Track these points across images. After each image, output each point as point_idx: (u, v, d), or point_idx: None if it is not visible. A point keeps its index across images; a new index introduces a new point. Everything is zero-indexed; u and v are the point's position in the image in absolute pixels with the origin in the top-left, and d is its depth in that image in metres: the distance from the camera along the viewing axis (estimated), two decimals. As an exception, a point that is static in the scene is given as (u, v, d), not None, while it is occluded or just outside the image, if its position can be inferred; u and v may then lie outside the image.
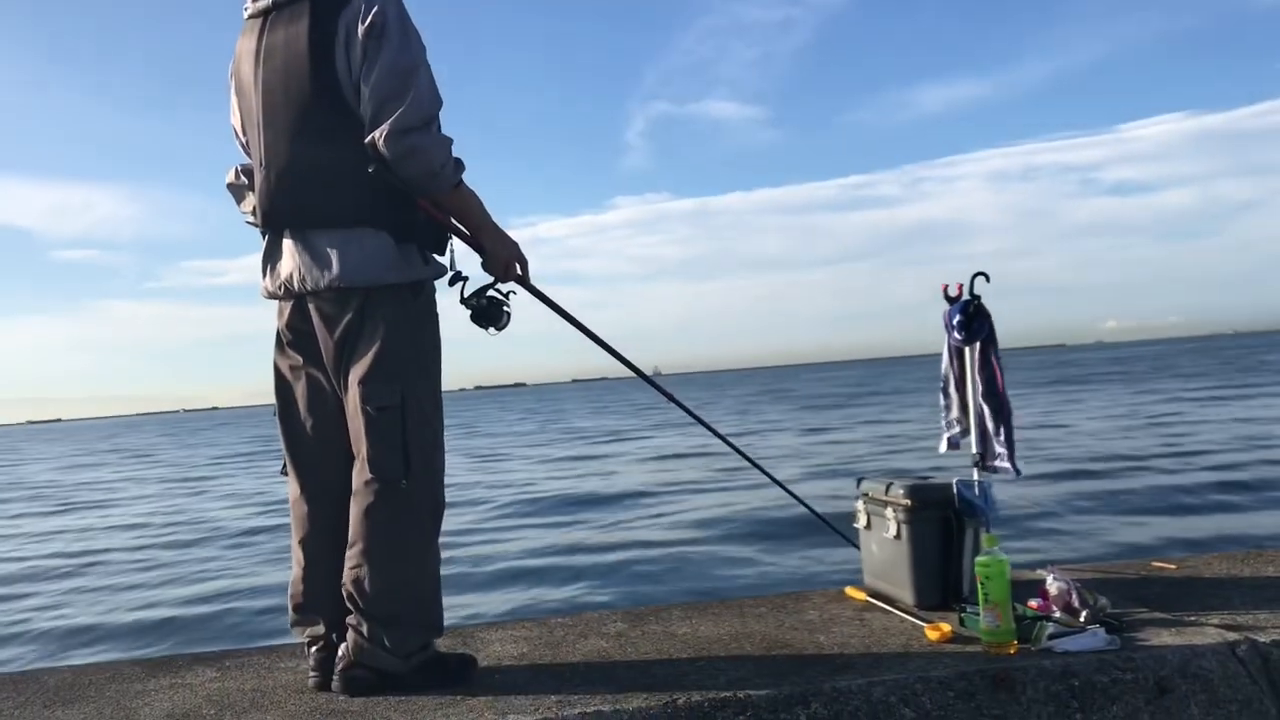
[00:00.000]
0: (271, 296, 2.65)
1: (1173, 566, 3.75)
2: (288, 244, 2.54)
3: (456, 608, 6.56)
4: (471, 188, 2.56)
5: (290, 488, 2.69)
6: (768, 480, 3.75)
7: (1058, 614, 3.02)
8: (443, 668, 2.64)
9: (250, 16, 2.60)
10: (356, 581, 2.50)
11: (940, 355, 3.62)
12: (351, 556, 2.52)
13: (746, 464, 3.73)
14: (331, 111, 2.43)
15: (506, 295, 2.67)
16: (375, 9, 2.39)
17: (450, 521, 2.71)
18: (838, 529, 3.92)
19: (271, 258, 2.61)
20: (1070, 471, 11.14)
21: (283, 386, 2.68)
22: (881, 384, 59.28)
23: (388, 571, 2.48)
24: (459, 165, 2.48)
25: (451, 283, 2.65)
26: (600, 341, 3.05)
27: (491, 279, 2.66)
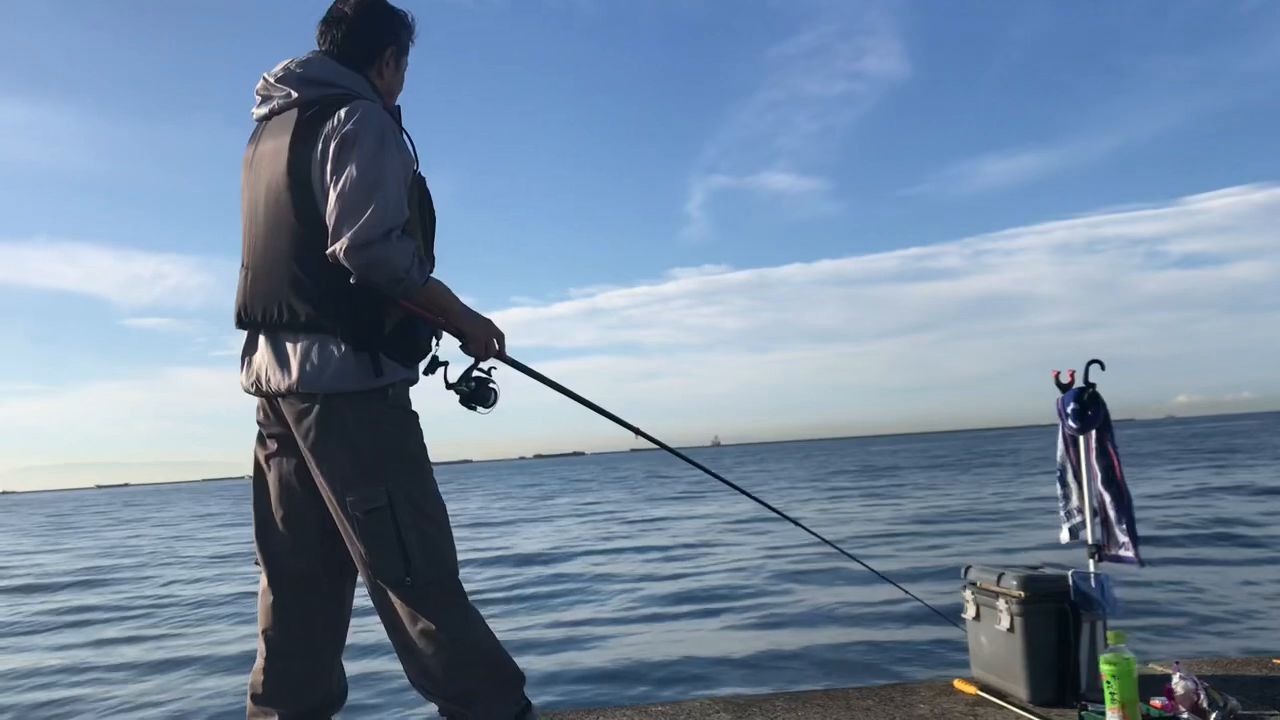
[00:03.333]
0: (246, 391, 2.70)
1: (1297, 664, 3.60)
2: (261, 343, 2.60)
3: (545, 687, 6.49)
4: (440, 281, 2.58)
5: (261, 578, 2.73)
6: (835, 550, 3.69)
7: (1185, 715, 2.92)
8: None
9: (255, 120, 2.70)
10: (418, 676, 2.52)
11: (1055, 442, 3.56)
12: (402, 658, 2.54)
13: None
14: (302, 222, 2.48)
15: (489, 372, 2.68)
16: (353, 121, 2.42)
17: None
18: (941, 613, 3.85)
19: (248, 353, 2.66)
20: (1178, 556, 10.74)
21: (258, 477, 2.73)
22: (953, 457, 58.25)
23: (436, 653, 2.48)
24: (423, 265, 2.52)
25: (429, 370, 2.67)
26: (595, 406, 2.96)
27: (473, 360, 2.67)
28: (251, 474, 2.75)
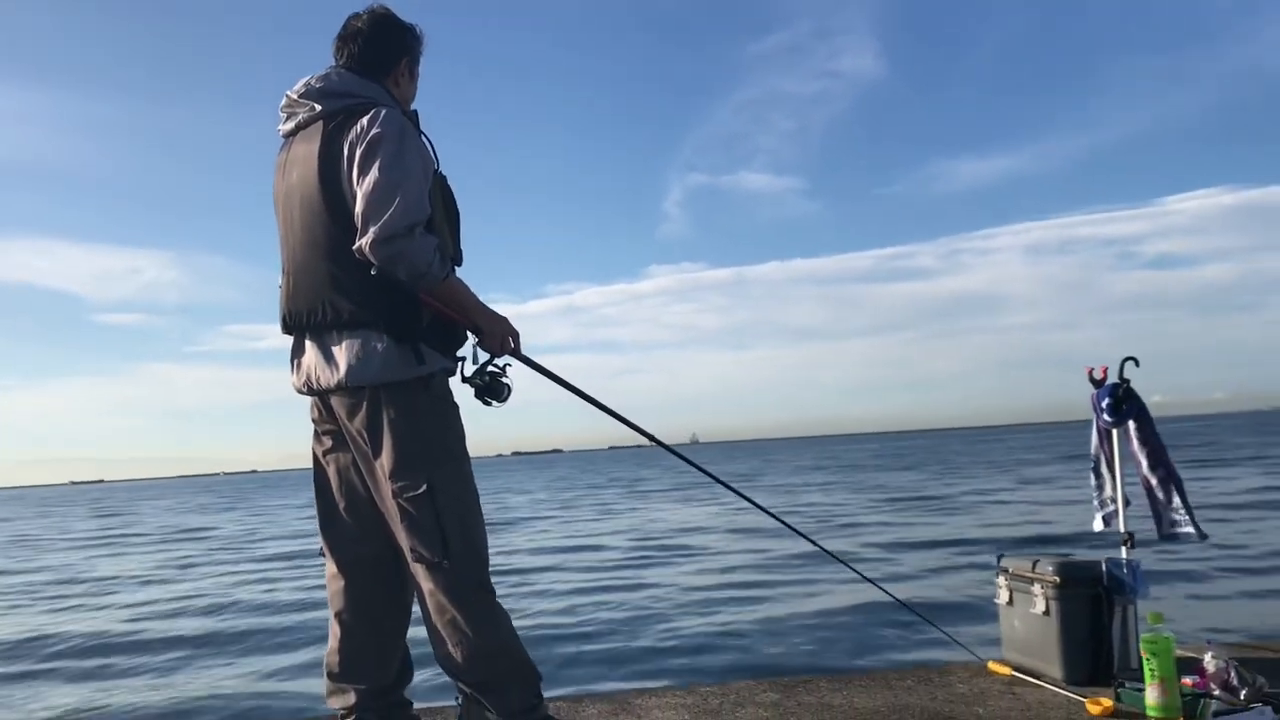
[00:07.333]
0: (299, 392, 2.86)
1: (1313, 647, 3.79)
2: (307, 344, 2.76)
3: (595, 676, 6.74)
4: (460, 278, 2.74)
5: (327, 565, 2.89)
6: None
7: (1217, 692, 3.09)
8: None
9: (283, 136, 2.87)
10: (443, 659, 2.71)
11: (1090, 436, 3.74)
12: (431, 638, 2.72)
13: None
14: (335, 223, 2.60)
15: (503, 369, 2.81)
16: (375, 125, 2.57)
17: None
18: (918, 611, 4.04)
19: (296, 356, 2.83)
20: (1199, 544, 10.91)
21: (318, 471, 2.90)
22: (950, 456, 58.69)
23: (461, 644, 2.65)
24: (445, 261, 2.66)
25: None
26: (604, 406, 3.10)
27: (489, 356, 2.80)
28: (313, 469, 2.89)
